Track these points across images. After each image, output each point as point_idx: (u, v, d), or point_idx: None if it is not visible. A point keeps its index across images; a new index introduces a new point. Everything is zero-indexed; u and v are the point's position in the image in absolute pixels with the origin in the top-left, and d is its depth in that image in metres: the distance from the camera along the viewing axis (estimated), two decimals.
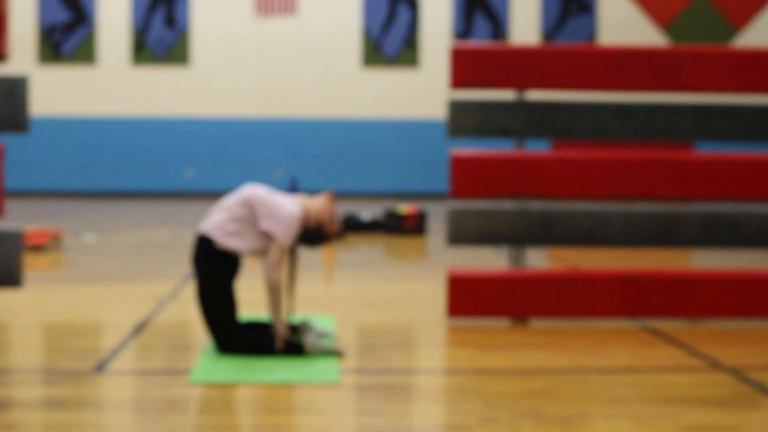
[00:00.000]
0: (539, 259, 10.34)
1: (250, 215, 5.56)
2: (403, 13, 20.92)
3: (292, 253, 5.83)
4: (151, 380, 5.10)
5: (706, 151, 7.57)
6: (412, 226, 13.13)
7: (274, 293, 5.51)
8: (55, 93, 20.58)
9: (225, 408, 4.60)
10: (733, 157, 6.82)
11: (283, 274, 5.79)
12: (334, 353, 5.55)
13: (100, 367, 5.27)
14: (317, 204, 5.71)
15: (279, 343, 5.51)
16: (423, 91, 21.01)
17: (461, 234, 6.75)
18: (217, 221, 5.59)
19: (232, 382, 5.01)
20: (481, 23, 21.06)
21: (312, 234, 5.70)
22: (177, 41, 20.74)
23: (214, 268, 5.54)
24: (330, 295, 7.98)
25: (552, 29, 21.15)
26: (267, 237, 5.56)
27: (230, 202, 5.62)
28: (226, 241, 5.55)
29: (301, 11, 21.02)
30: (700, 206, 6.90)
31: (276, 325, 5.52)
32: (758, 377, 5.23)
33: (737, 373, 5.31)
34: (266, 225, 5.53)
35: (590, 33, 21.03)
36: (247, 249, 5.57)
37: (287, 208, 5.57)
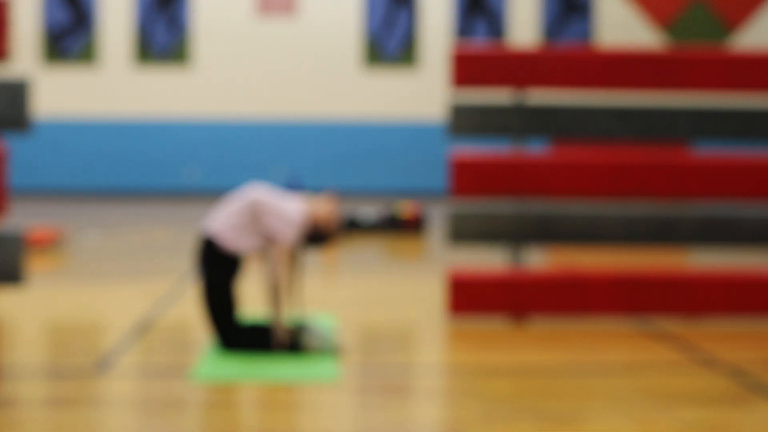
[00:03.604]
0: (538, 259, 10.37)
1: (254, 217, 5.61)
2: (403, 13, 20.95)
3: (294, 255, 5.87)
4: (153, 378, 5.13)
5: (704, 151, 7.61)
6: (411, 226, 13.16)
7: (275, 293, 5.55)
8: (59, 94, 20.61)
9: (226, 407, 4.64)
10: (730, 158, 6.85)
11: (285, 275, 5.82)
12: (334, 352, 5.59)
13: (103, 366, 5.30)
14: (320, 207, 5.75)
15: (278, 343, 5.55)
16: (423, 91, 21.04)
17: (461, 233, 6.79)
18: (221, 222, 5.63)
19: (235, 379, 5.05)
20: (480, 23, 21.08)
21: (315, 236, 5.75)
22: (179, 42, 20.77)
23: (218, 268, 5.59)
24: (330, 294, 8.02)
25: (551, 30, 21.18)
26: (269, 238, 5.61)
27: (234, 204, 5.67)
28: (230, 242, 5.59)
29: (301, 11, 21.05)
30: (698, 206, 6.93)
31: (276, 324, 5.56)
32: (755, 375, 5.26)
33: (735, 371, 5.34)
34: (269, 227, 5.58)
35: (589, 34, 21.06)
36: (249, 249, 5.62)
37: (290, 211, 5.62)
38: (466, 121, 6.78)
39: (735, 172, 6.80)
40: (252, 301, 6.95)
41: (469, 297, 6.69)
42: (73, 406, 4.54)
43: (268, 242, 5.62)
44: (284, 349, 5.55)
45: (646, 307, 6.74)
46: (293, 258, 5.84)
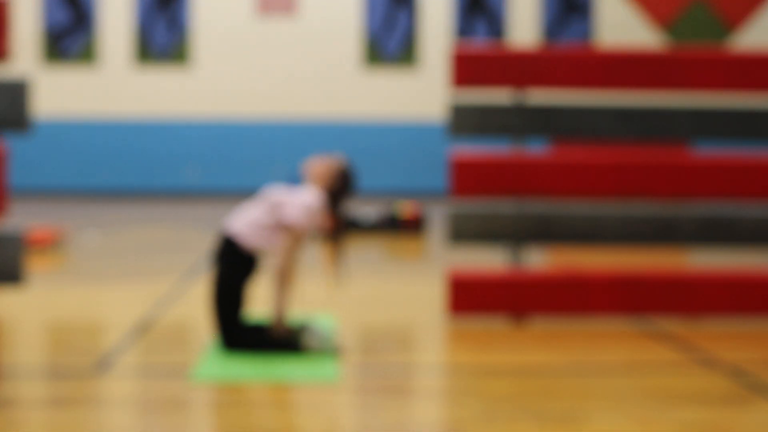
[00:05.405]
0: (538, 259, 10.37)
1: (275, 217, 5.65)
2: (403, 13, 20.95)
3: (302, 242, 5.87)
4: (153, 378, 5.13)
5: (704, 151, 7.61)
6: (411, 226, 13.17)
7: (277, 281, 5.58)
8: (59, 94, 20.61)
9: (227, 407, 4.64)
10: (730, 158, 6.85)
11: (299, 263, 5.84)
12: (334, 352, 5.59)
13: (103, 366, 5.31)
14: (315, 169, 5.83)
15: (276, 332, 5.55)
16: (423, 91, 21.04)
17: (461, 233, 6.79)
18: (244, 224, 5.66)
19: (235, 379, 5.05)
20: (480, 23, 21.09)
21: (336, 192, 5.81)
22: (179, 42, 20.77)
23: (235, 266, 5.62)
24: (330, 294, 8.01)
25: (551, 30, 21.18)
26: (286, 228, 5.66)
27: (256, 206, 5.71)
28: (251, 241, 5.63)
29: (301, 11, 21.05)
30: (698, 206, 6.94)
31: (275, 313, 5.57)
32: (755, 375, 5.27)
33: (735, 371, 5.35)
34: (285, 215, 5.63)
35: (589, 34, 21.06)
36: (269, 247, 5.66)
37: (306, 199, 5.67)
38: (466, 121, 6.78)
39: (735, 172, 6.80)
40: (260, 302, 6.95)
41: (469, 297, 6.69)
42: (73, 406, 4.54)
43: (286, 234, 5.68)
44: (282, 345, 5.56)
45: (646, 307, 6.74)
46: (301, 244, 5.85)
